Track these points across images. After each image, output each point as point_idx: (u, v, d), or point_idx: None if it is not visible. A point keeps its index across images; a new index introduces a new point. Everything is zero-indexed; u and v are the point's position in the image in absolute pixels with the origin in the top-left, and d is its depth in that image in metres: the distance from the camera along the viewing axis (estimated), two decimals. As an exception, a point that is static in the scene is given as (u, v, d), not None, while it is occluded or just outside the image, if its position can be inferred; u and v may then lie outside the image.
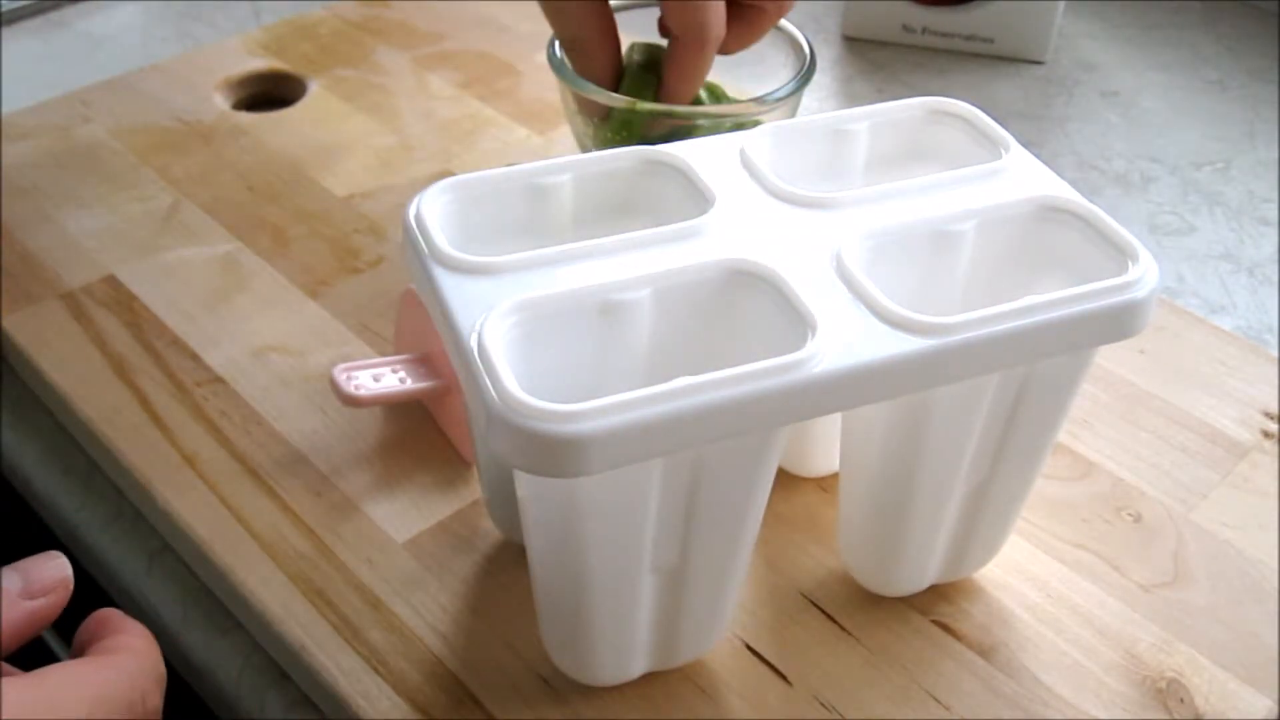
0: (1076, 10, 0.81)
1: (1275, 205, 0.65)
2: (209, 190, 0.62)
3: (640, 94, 0.51)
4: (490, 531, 0.46)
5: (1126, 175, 0.67)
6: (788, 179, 0.40)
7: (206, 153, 0.64)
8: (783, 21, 0.57)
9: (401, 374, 0.48)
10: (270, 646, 0.44)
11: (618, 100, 0.52)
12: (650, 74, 0.52)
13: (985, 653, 0.42)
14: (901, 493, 0.40)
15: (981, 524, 0.42)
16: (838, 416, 0.42)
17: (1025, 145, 0.42)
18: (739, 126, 0.52)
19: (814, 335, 0.34)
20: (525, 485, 0.35)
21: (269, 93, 0.70)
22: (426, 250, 0.36)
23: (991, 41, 0.76)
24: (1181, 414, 0.51)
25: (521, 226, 0.40)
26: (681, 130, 0.52)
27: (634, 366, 0.37)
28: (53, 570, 0.35)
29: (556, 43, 0.54)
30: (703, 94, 0.54)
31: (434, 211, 0.38)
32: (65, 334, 0.53)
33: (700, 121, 0.52)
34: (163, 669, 0.36)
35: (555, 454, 0.31)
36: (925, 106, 0.44)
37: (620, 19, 0.53)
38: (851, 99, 0.73)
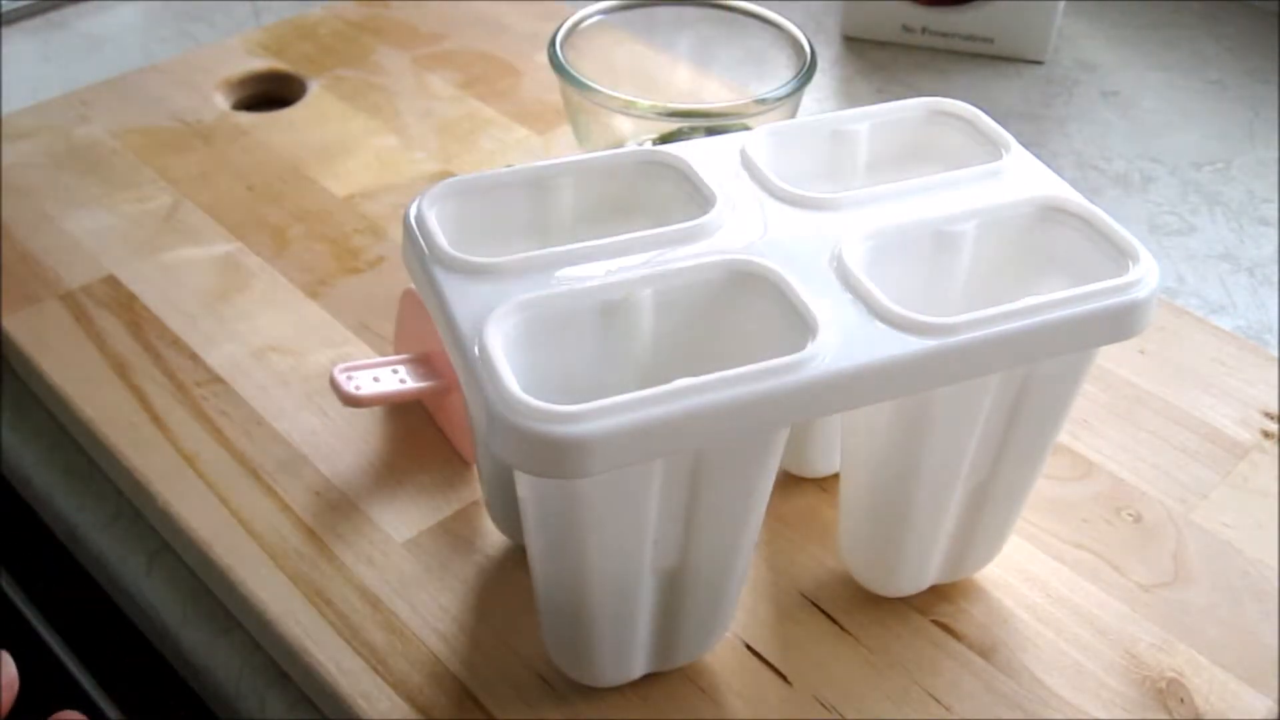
0: (1076, 10, 0.81)
1: (1275, 205, 0.65)
2: (209, 190, 0.62)
3: None
4: (490, 531, 0.46)
5: (1126, 175, 0.67)
6: (788, 179, 0.40)
7: (206, 153, 0.64)
8: (783, 21, 0.57)
9: (401, 374, 0.48)
10: (270, 646, 0.44)
11: (615, 101, 0.52)
12: None
13: (985, 653, 0.42)
14: (902, 493, 0.40)
15: (982, 524, 0.42)
16: (838, 417, 0.42)
17: (1025, 145, 0.42)
18: (743, 128, 0.52)
19: (814, 336, 0.34)
20: (525, 485, 0.35)
21: (269, 93, 0.70)
22: (427, 251, 0.36)
23: (991, 41, 0.76)
24: (1181, 414, 0.51)
25: (522, 227, 0.40)
26: (682, 131, 0.52)
27: (635, 367, 0.37)
28: None
29: (557, 42, 0.54)
30: None
31: (434, 212, 0.38)
32: (65, 334, 0.53)
33: (700, 123, 0.52)
34: None
35: (556, 455, 0.31)
36: (925, 107, 0.44)
37: (620, 18, 0.53)
38: (851, 99, 0.73)
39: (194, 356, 0.52)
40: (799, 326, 0.35)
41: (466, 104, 0.68)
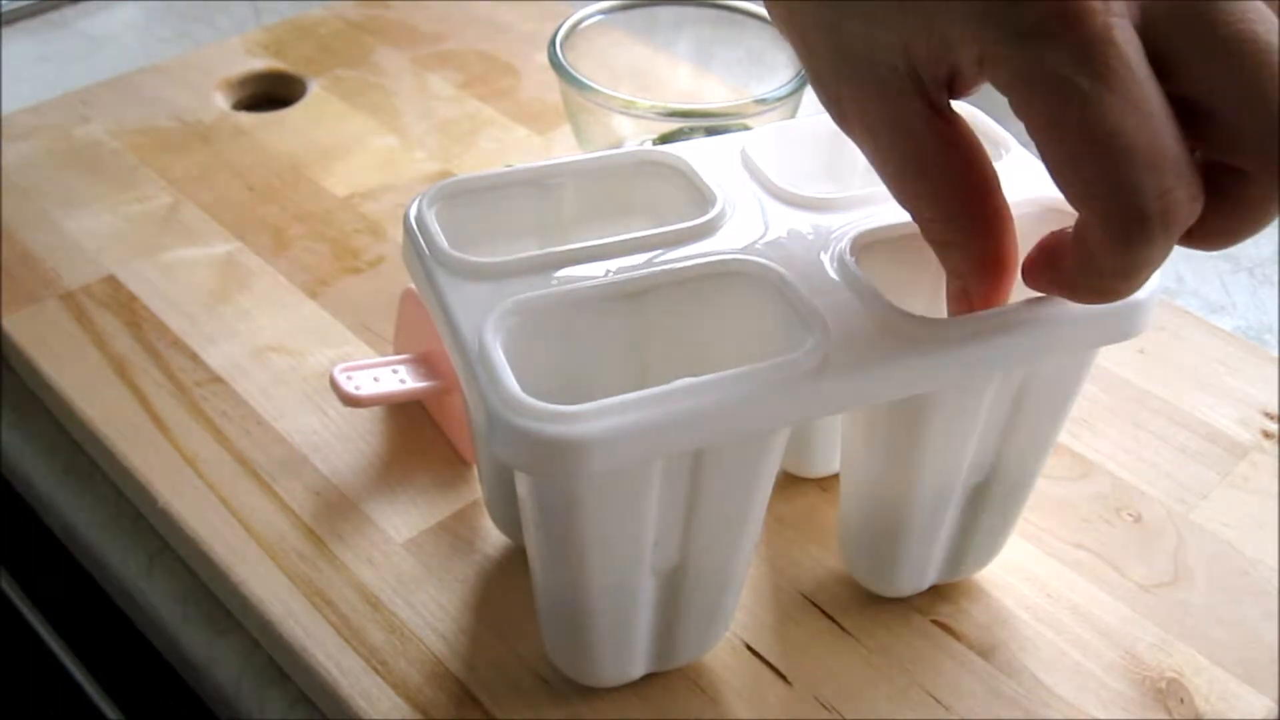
0: (1076, 10, 0.80)
1: (1275, 205, 0.65)
2: (209, 190, 0.62)
3: None
4: (490, 531, 0.46)
5: (1126, 175, 0.67)
6: (788, 179, 0.40)
7: (206, 153, 0.64)
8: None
9: (401, 374, 0.48)
10: (270, 646, 0.44)
11: (615, 101, 0.52)
12: None
13: (985, 653, 0.42)
14: (901, 494, 0.40)
15: (982, 525, 0.42)
16: (838, 417, 0.42)
17: (1025, 145, 0.42)
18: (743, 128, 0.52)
19: (814, 335, 0.34)
20: (525, 485, 0.35)
21: (269, 93, 0.70)
22: (427, 251, 0.36)
23: (991, 41, 0.75)
24: (1181, 414, 0.51)
25: (522, 227, 0.40)
26: (682, 131, 0.52)
27: (635, 367, 0.37)
28: None
29: (557, 42, 0.54)
30: None
31: (434, 212, 0.38)
32: (65, 334, 0.53)
33: (700, 123, 0.52)
34: None
35: (556, 455, 0.31)
36: (925, 107, 0.44)
37: (620, 18, 0.52)
38: (851, 99, 0.73)
39: (194, 356, 0.52)
40: (799, 326, 0.35)
41: (466, 104, 0.68)
